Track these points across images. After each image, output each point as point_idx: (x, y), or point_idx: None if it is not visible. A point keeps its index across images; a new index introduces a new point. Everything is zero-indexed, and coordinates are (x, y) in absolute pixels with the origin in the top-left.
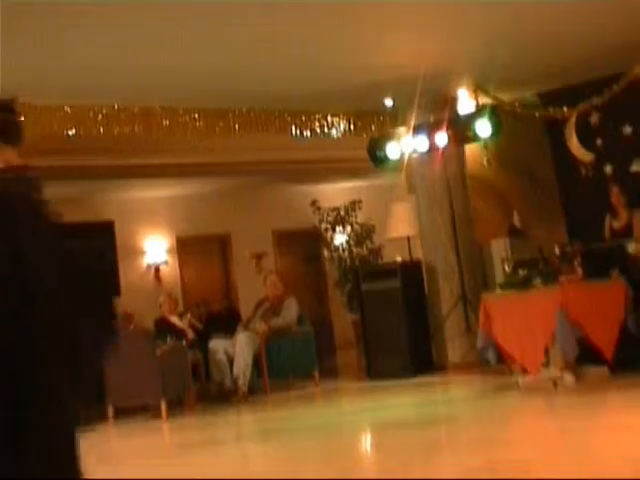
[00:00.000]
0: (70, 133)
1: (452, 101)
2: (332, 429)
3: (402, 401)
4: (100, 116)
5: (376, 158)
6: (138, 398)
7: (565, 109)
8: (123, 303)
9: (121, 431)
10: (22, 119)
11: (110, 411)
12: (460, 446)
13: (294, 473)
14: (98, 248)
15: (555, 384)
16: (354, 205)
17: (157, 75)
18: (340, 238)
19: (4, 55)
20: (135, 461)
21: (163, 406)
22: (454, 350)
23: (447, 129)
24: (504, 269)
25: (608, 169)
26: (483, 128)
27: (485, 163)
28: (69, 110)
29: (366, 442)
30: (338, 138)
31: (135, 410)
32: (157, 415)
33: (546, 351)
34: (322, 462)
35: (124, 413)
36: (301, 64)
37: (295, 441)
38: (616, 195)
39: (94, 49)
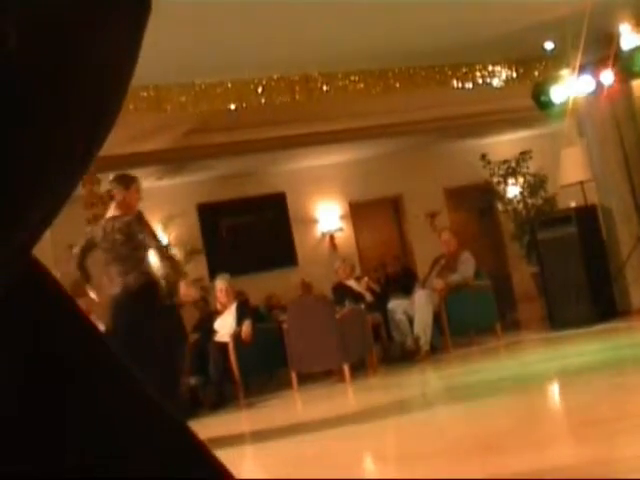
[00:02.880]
0: (232, 107)
1: (615, 37)
2: (520, 381)
3: (587, 349)
4: (260, 88)
5: (542, 104)
6: (321, 364)
7: None
8: (300, 273)
9: (306, 396)
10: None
11: (294, 378)
12: None
13: (481, 425)
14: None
15: None
16: (524, 156)
17: (314, 41)
18: (513, 190)
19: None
20: (320, 424)
21: (346, 370)
22: (637, 294)
23: (612, 67)
24: None
25: None
26: None
27: None
28: (230, 85)
29: (551, 389)
30: (501, 87)
31: (318, 376)
32: (341, 379)
33: None
34: (509, 411)
35: (307, 379)
36: (455, 16)
37: (480, 394)
38: None
39: (246, 23)
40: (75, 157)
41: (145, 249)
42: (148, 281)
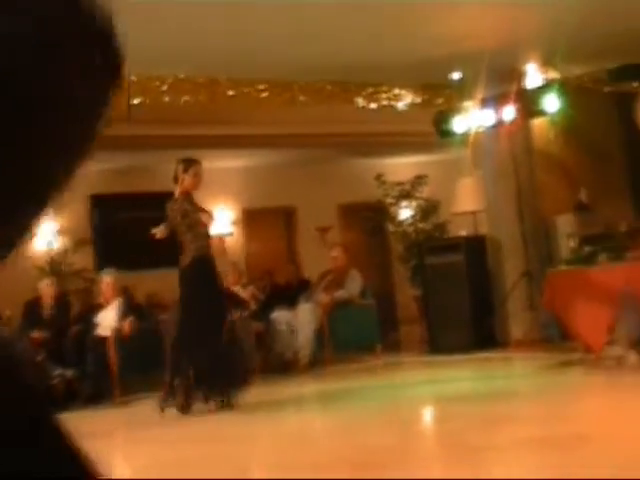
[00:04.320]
0: (135, 102)
1: (520, 75)
2: (392, 401)
3: (463, 375)
4: (165, 86)
5: (442, 132)
6: None
7: (635, 84)
8: None
9: None
10: None
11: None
12: (519, 420)
13: (354, 441)
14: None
15: (619, 363)
16: (420, 180)
17: (223, 46)
18: (405, 213)
19: None
20: (196, 426)
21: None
22: (517, 326)
23: (514, 103)
24: (569, 245)
25: None
26: (551, 102)
27: (552, 138)
28: (135, 79)
29: (426, 413)
30: (404, 111)
31: None
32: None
33: (610, 329)
34: (383, 430)
35: None
36: (368, 36)
37: (354, 412)
38: None
39: (160, 20)
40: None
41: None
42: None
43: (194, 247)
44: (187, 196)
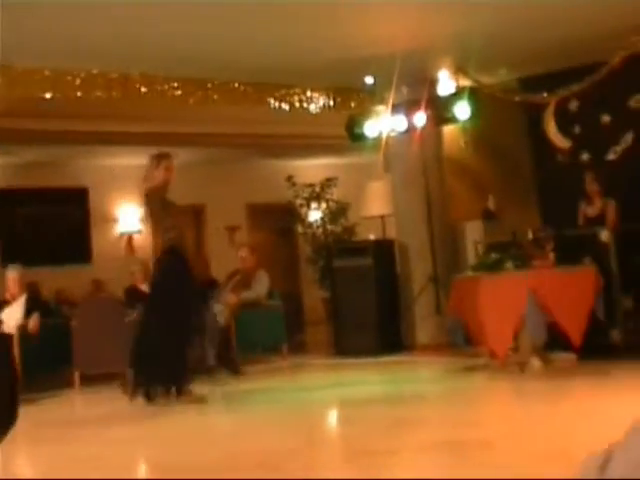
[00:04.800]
0: (47, 96)
1: (432, 81)
2: (296, 403)
3: (368, 378)
4: (78, 80)
5: (354, 135)
6: (105, 366)
7: (545, 95)
8: (94, 271)
9: (86, 397)
10: None
11: (77, 378)
12: (423, 424)
13: (258, 443)
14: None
15: (522, 368)
16: (330, 182)
17: (137, 42)
18: (314, 215)
19: None
20: (97, 427)
21: (129, 374)
22: (423, 330)
23: (426, 109)
24: (476, 251)
25: (585, 157)
26: (462, 110)
27: (462, 145)
28: (48, 73)
29: (331, 416)
30: (317, 114)
31: (102, 378)
32: (123, 383)
33: (515, 335)
34: (286, 432)
35: (91, 380)
36: (282, 37)
37: (260, 413)
38: (590, 183)
39: (75, 13)
40: None
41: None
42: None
43: (168, 238)
44: (161, 190)
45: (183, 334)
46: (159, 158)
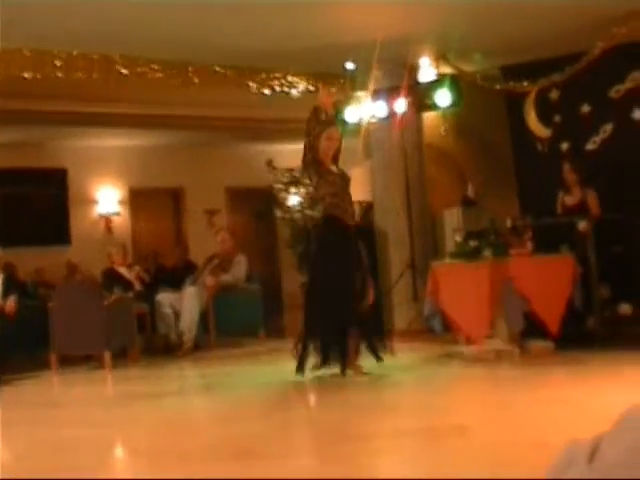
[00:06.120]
0: (27, 76)
1: (413, 68)
2: (273, 387)
3: None
4: (59, 61)
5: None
6: (82, 348)
7: (525, 84)
8: (72, 252)
9: (64, 379)
10: None
11: (54, 359)
12: (399, 410)
13: (234, 428)
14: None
15: (499, 356)
16: None
17: (118, 23)
18: (294, 199)
19: None
20: (74, 409)
21: (107, 357)
22: (401, 317)
23: (406, 96)
24: (455, 239)
25: (564, 146)
26: (443, 97)
27: (443, 132)
28: (28, 54)
29: (307, 401)
30: (298, 98)
31: (79, 360)
32: (100, 366)
33: (492, 323)
34: (261, 417)
35: (68, 362)
36: (263, 21)
37: (236, 397)
38: (568, 172)
39: None
40: None
41: None
42: None
43: (323, 207)
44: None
45: (344, 310)
46: (322, 125)
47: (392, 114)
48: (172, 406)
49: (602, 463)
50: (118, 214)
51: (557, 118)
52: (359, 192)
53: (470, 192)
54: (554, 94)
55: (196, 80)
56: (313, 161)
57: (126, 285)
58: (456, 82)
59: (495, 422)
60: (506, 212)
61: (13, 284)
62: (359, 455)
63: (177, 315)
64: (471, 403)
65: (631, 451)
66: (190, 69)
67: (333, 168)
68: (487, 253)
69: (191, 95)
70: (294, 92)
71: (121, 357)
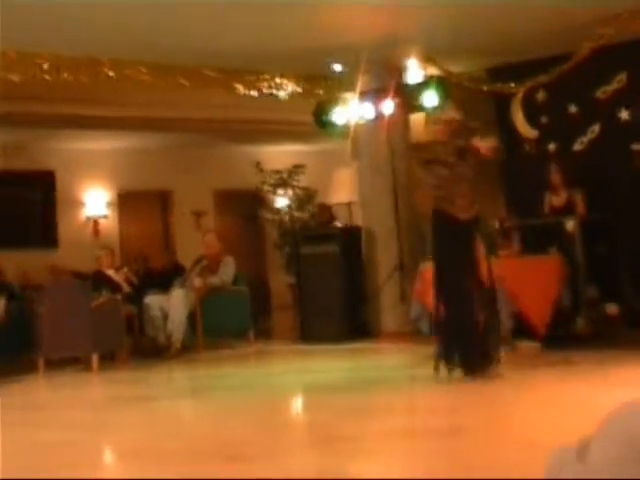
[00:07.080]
0: (14, 78)
1: (400, 70)
2: (262, 389)
3: (334, 365)
4: (46, 64)
5: (321, 122)
6: (70, 350)
7: (512, 85)
8: (59, 255)
9: (51, 382)
10: None
11: (41, 362)
12: (387, 411)
13: (222, 429)
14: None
15: None
16: (297, 169)
17: (105, 26)
18: (282, 201)
19: None
20: (61, 412)
21: (95, 359)
22: (388, 318)
23: (394, 97)
24: None
25: (551, 147)
26: (430, 98)
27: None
28: (15, 56)
29: (294, 402)
30: (285, 100)
31: (66, 362)
32: (88, 368)
33: None
34: (248, 418)
35: (55, 365)
36: (251, 23)
37: (224, 399)
38: (554, 173)
39: None
40: None
41: None
42: None
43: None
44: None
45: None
46: (436, 120)
47: (379, 115)
48: (160, 408)
49: (594, 462)
50: (106, 217)
51: (544, 119)
52: (346, 193)
53: None
54: (541, 95)
55: (184, 82)
56: None
57: (114, 287)
58: (443, 83)
59: (483, 422)
60: (493, 213)
61: (0, 287)
62: (345, 456)
63: (165, 317)
64: (458, 404)
65: (621, 448)
66: (177, 71)
67: None
68: None
69: (178, 97)
70: (282, 94)
71: (109, 359)
